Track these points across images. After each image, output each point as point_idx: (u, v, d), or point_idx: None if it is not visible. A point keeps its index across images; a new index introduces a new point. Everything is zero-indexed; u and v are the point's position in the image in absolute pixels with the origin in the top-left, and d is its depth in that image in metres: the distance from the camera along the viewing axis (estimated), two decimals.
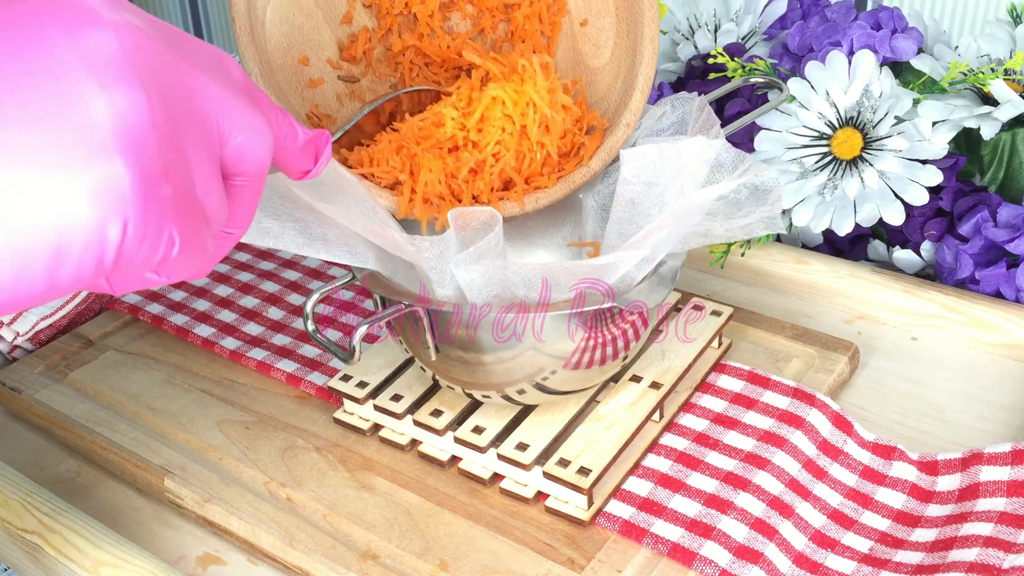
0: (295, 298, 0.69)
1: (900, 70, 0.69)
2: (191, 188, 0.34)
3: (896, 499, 0.52)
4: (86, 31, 0.31)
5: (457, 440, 0.54)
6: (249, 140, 0.37)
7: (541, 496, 0.53)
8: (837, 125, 0.65)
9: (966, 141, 0.67)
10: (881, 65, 0.66)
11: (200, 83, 0.35)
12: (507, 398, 0.53)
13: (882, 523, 0.51)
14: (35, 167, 0.30)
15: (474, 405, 0.56)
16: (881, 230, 0.70)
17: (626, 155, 0.52)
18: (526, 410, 0.55)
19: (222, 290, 0.70)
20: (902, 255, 0.68)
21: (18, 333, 0.66)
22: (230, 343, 0.65)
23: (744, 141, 0.69)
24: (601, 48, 0.58)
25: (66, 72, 0.31)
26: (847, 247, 0.72)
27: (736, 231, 0.49)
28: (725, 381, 0.58)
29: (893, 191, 0.64)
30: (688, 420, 0.56)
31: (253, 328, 0.66)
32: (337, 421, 0.59)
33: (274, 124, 0.40)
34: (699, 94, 0.58)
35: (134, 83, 0.32)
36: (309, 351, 0.64)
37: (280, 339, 0.65)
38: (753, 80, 0.66)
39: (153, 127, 0.32)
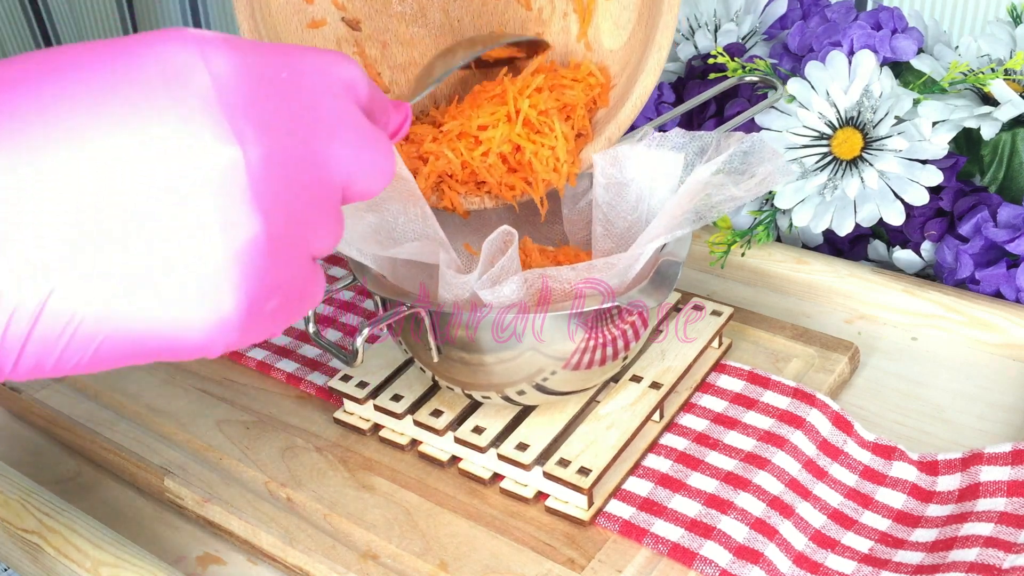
0: None
1: (900, 70, 0.69)
2: (300, 270, 0.35)
3: (896, 499, 0.52)
4: (217, 155, 0.31)
5: (457, 440, 0.54)
6: (370, 183, 0.37)
7: (541, 496, 0.53)
8: (837, 125, 0.65)
9: (966, 141, 0.67)
10: (881, 65, 0.66)
11: (324, 149, 0.35)
12: (507, 399, 0.53)
13: (882, 523, 0.51)
14: (153, 292, 0.31)
15: (474, 405, 0.56)
16: (881, 230, 0.70)
17: (596, 159, 0.53)
18: (526, 410, 0.55)
19: None
20: (902, 255, 0.68)
21: None
22: None
23: None
24: (620, 29, 0.56)
25: (194, 197, 0.31)
26: (847, 247, 0.72)
27: (754, 188, 0.49)
28: (725, 381, 0.58)
29: (893, 191, 0.64)
30: (688, 420, 0.56)
31: None
32: (337, 421, 0.59)
33: (383, 125, 0.40)
34: (698, 92, 0.57)
35: (256, 213, 0.32)
36: (309, 351, 0.64)
37: (280, 339, 0.65)
38: (748, 79, 0.66)
39: (270, 252, 0.32)
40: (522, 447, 0.53)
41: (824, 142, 0.66)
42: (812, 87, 0.65)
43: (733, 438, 0.54)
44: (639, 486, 0.52)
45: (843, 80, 0.65)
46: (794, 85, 0.65)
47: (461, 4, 0.58)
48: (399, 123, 0.42)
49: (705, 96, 0.64)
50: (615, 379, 0.57)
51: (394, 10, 0.57)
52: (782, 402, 0.56)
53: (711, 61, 0.72)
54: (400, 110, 0.42)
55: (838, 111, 0.65)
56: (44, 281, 0.30)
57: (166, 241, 0.31)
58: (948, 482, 0.52)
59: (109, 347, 0.32)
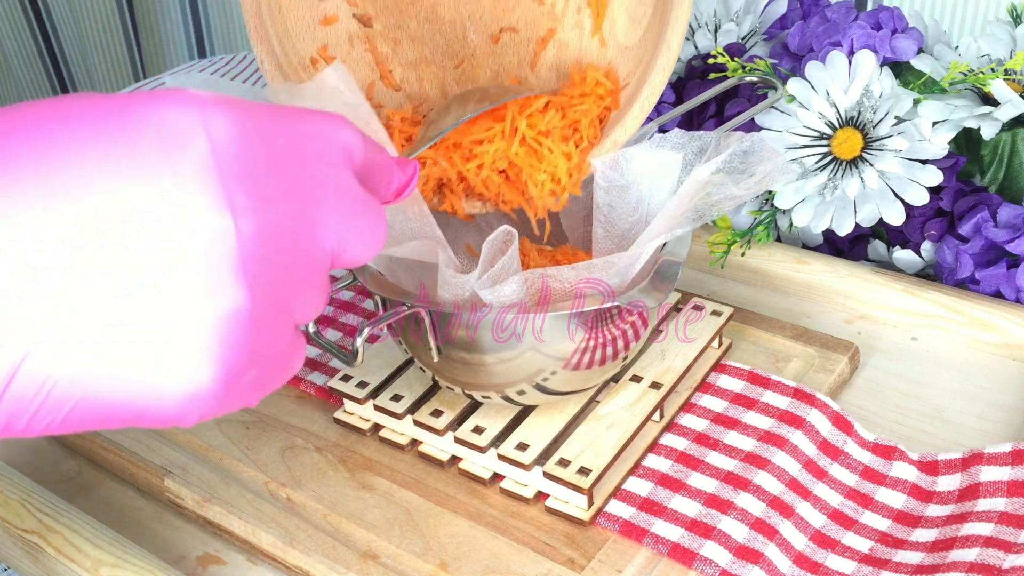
0: None
1: (900, 70, 0.69)
2: (283, 341, 0.34)
3: (896, 499, 0.52)
4: (208, 224, 0.31)
5: (457, 440, 0.54)
6: (359, 252, 0.37)
7: (541, 496, 0.53)
8: (837, 125, 0.65)
9: (966, 141, 0.67)
10: (881, 65, 0.66)
11: (316, 219, 0.34)
12: (507, 399, 0.53)
13: (882, 523, 0.51)
14: (131, 357, 0.31)
15: (474, 405, 0.56)
16: (881, 230, 0.70)
17: (596, 163, 0.53)
18: (526, 410, 0.55)
19: None
20: (902, 255, 0.68)
21: None
22: None
23: None
24: (636, 25, 0.55)
25: (180, 265, 0.30)
26: (847, 247, 0.72)
27: (754, 187, 0.49)
28: (725, 381, 0.58)
29: (893, 191, 0.64)
30: (688, 420, 0.56)
31: None
32: (337, 421, 0.59)
33: (386, 185, 0.40)
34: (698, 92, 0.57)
35: (242, 286, 0.31)
36: (309, 351, 0.64)
37: None
38: (748, 79, 0.66)
39: (253, 324, 0.32)
40: (522, 447, 0.53)
41: (824, 142, 0.66)
42: (812, 87, 0.65)
43: (733, 438, 0.54)
44: (639, 486, 0.52)
45: (843, 80, 0.65)
46: (794, 85, 0.65)
47: (472, 0, 0.57)
48: (405, 181, 0.41)
49: (705, 96, 0.64)
50: (615, 379, 0.57)
51: (406, 7, 0.56)
52: (782, 402, 0.56)
53: (711, 61, 0.72)
54: (406, 168, 0.41)
55: (838, 111, 0.65)
56: (20, 342, 0.29)
57: (147, 307, 0.30)
58: (948, 482, 0.52)
59: (82, 411, 0.31)
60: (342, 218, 0.35)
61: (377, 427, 0.58)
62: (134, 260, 0.30)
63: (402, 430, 0.57)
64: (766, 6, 0.79)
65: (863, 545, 0.50)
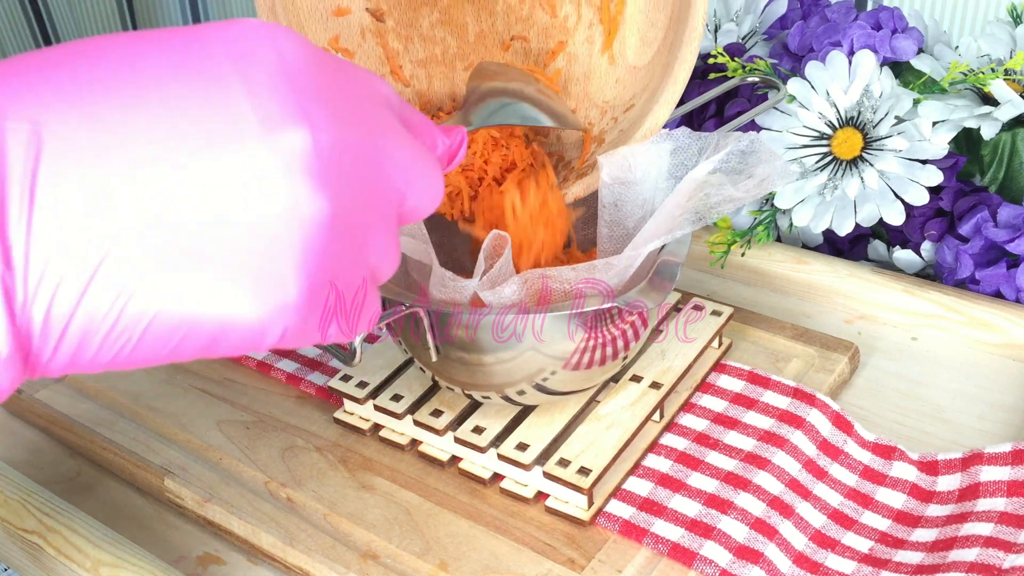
0: None
1: (900, 70, 0.69)
2: (361, 274, 0.34)
3: (896, 499, 0.52)
4: (283, 130, 0.30)
5: (457, 440, 0.54)
6: (423, 199, 0.36)
7: (541, 496, 0.53)
8: (837, 125, 0.65)
9: (966, 141, 0.67)
10: (881, 65, 0.66)
11: (386, 154, 0.34)
12: (507, 399, 0.53)
13: (882, 523, 0.51)
14: (212, 265, 0.30)
15: (474, 405, 0.56)
16: (881, 230, 0.70)
17: (603, 160, 0.53)
18: (526, 410, 0.55)
19: None
20: (902, 255, 0.68)
21: None
22: None
23: None
24: (646, 47, 0.55)
25: (260, 172, 0.30)
26: (847, 247, 0.72)
27: (753, 189, 0.48)
28: (725, 381, 0.58)
29: (893, 191, 0.64)
30: (688, 420, 0.56)
31: None
32: (337, 421, 0.59)
33: (429, 146, 0.39)
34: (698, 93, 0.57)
35: (322, 193, 0.31)
36: (309, 351, 0.64)
37: None
38: (751, 80, 0.66)
39: (332, 234, 0.32)
40: (522, 447, 0.53)
41: (824, 142, 0.66)
42: (812, 87, 0.65)
43: (733, 438, 0.54)
44: (639, 486, 0.52)
45: (843, 80, 0.65)
46: (794, 85, 0.65)
47: (485, 6, 0.58)
48: (455, 147, 0.40)
49: (707, 97, 0.64)
50: (615, 379, 0.57)
51: (419, 6, 0.57)
52: (782, 402, 0.56)
53: (711, 61, 0.72)
54: (453, 134, 0.40)
55: (838, 111, 0.65)
56: (96, 249, 0.28)
57: (227, 215, 0.30)
58: (948, 482, 0.52)
59: (157, 331, 0.30)
60: (406, 156, 0.35)
61: (377, 427, 0.58)
62: (211, 167, 0.30)
63: (402, 430, 0.57)
64: (766, 6, 0.79)
65: (863, 545, 0.50)
